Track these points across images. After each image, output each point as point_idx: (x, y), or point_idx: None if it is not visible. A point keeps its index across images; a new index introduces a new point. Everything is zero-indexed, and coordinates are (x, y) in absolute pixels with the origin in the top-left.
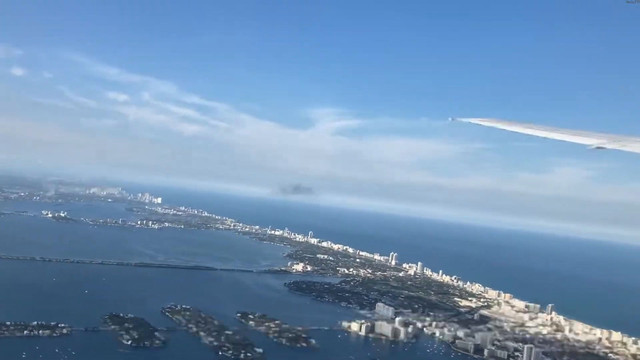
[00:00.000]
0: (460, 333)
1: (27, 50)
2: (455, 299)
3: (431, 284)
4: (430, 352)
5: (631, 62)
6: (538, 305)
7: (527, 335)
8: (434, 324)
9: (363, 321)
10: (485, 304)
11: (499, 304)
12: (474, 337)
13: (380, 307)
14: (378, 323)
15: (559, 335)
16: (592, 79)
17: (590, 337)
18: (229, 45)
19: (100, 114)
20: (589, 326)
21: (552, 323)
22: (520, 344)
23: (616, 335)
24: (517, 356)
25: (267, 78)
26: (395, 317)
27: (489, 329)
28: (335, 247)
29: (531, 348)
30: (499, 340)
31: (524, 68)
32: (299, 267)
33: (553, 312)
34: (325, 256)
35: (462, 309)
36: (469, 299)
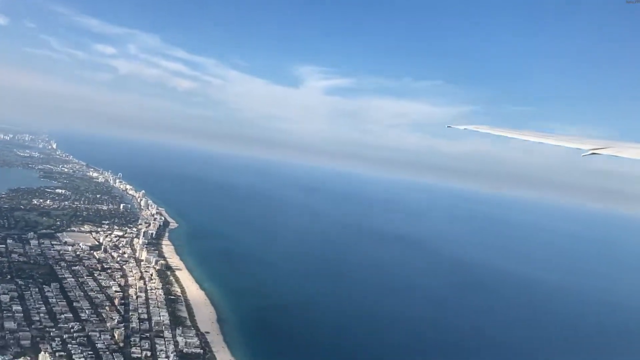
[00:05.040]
0: None
1: None
2: (84, 225)
3: (114, 214)
4: None
5: (631, 61)
6: None
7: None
8: None
9: None
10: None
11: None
12: None
13: None
14: None
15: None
16: (592, 79)
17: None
18: None
19: (85, 65)
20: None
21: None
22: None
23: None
24: None
25: (253, 32)
26: None
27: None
28: (122, 187)
29: None
30: None
31: (523, 67)
32: None
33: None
34: (64, 191)
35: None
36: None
